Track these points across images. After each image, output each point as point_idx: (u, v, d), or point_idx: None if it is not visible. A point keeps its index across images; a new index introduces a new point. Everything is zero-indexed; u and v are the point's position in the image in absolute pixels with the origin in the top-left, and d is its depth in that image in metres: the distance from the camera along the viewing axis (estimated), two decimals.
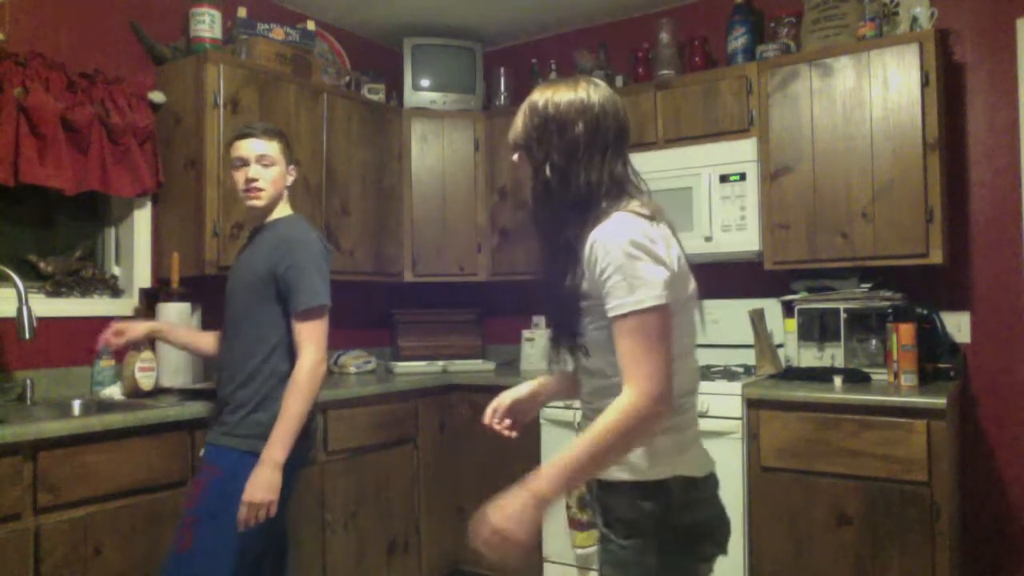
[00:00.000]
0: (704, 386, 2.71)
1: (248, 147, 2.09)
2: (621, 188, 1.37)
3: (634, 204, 1.34)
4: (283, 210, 2.15)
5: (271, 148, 2.11)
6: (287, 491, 1.96)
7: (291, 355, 1.99)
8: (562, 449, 1.29)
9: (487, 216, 3.68)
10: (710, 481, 1.39)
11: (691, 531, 1.33)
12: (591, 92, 1.36)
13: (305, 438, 2.01)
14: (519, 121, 1.41)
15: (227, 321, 2.10)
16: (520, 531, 1.27)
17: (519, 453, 3.16)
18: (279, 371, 1.99)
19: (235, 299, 2.07)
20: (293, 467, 1.97)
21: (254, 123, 2.23)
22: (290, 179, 2.17)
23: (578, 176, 1.33)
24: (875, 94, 2.74)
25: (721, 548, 1.38)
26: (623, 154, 1.39)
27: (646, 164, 3.10)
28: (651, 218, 1.32)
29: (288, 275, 1.97)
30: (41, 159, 2.44)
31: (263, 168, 2.09)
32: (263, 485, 1.87)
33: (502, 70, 3.81)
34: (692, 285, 1.42)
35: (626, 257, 1.25)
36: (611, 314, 1.27)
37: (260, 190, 2.08)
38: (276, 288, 2.00)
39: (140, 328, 2.27)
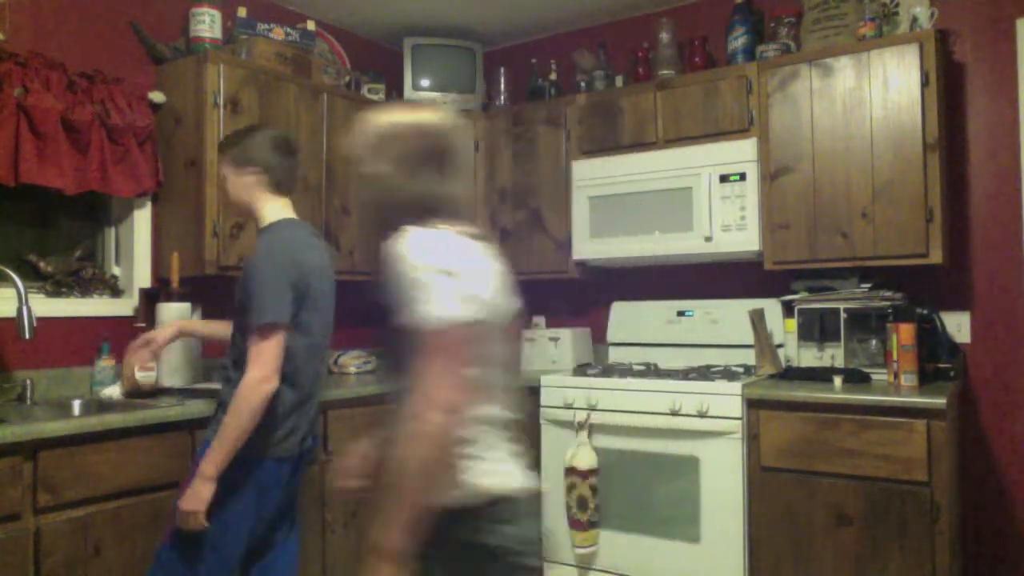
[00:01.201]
0: (704, 386, 2.74)
1: None
2: (441, 206, 1.37)
3: (452, 223, 1.36)
4: (268, 215, 2.12)
5: (221, 164, 2.16)
6: (256, 495, 1.98)
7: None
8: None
9: (487, 216, 3.68)
10: (513, 504, 1.35)
11: (483, 552, 1.30)
12: (425, 115, 1.43)
13: (271, 442, 2.00)
14: (355, 137, 1.45)
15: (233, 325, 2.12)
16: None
17: None
18: None
19: (236, 307, 2.08)
20: (263, 470, 1.99)
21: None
22: (248, 179, 2.09)
23: (401, 191, 1.37)
24: (875, 94, 2.74)
25: (520, 572, 1.35)
26: (447, 175, 1.40)
27: (646, 164, 3.15)
28: (471, 236, 1.35)
29: (247, 290, 1.98)
30: (41, 159, 2.44)
31: (223, 186, 2.15)
32: (189, 496, 1.89)
33: (502, 70, 3.80)
34: (512, 307, 1.41)
35: (422, 272, 1.26)
36: (404, 324, 1.27)
37: (229, 207, 2.14)
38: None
39: (167, 333, 2.28)
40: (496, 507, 1.32)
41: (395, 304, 1.29)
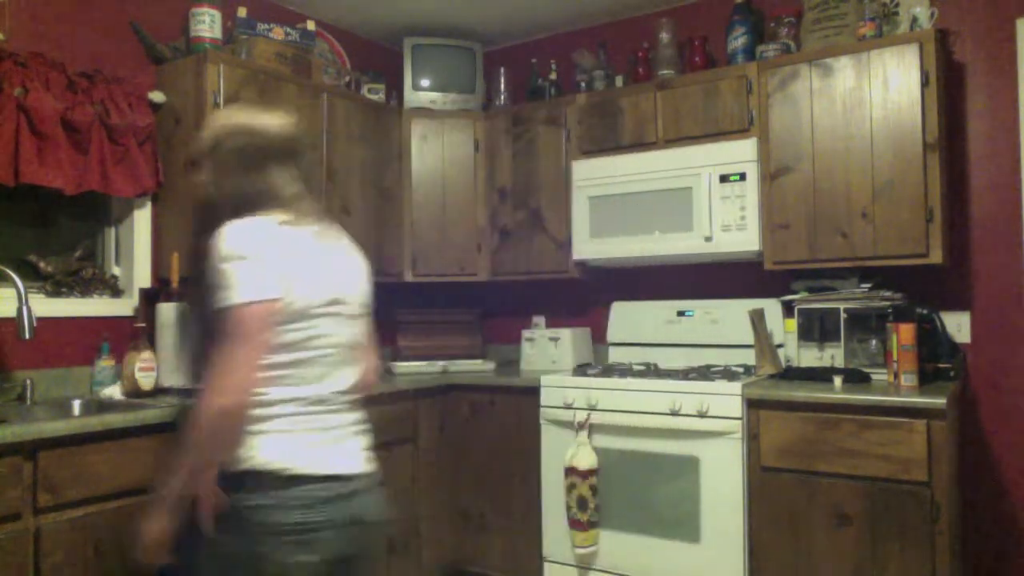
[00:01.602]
0: (704, 386, 2.74)
1: None
2: (260, 200, 1.47)
3: (274, 212, 1.45)
4: None
5: None
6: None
7: None
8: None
9: (487, 216, 3.68)
10: (318, 485, 1.42)
11: (273, 529, 1.38)
12: (242, 117, 1.54)
13: None
14: (193, 143, 1.57)
15: None
16: (151, 529, 1.45)
17: (519, 453, 3.17)
18: None
19: None
20: None
21: None
22: None
23: (222, 188, 1.50)
24: (875, 94, 2.74)
25: (315, 555, 1.42)
26: (267, 169, 1.50)
27: (646, 164, 3.15)
28: (292, 224, 1.45)
29: None
30: (41, 159, 2.44)
31: None
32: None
33: (502, 70, 3.81)
34: (334, 293, 1.49)
35: (226, 260, 1.36)
36: (216, 307, 1.37)
37: None
38: None
39: None
40: (280, 484, 1.39)
41: (212, 293, 1.39)
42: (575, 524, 2.89)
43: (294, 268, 1.41)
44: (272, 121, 1.54)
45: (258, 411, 1.39)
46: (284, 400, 1.42)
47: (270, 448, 1.41)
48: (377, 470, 1.62)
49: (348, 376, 1.55)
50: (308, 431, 1.45)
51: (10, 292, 2.34)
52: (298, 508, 1.40)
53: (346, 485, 1.48)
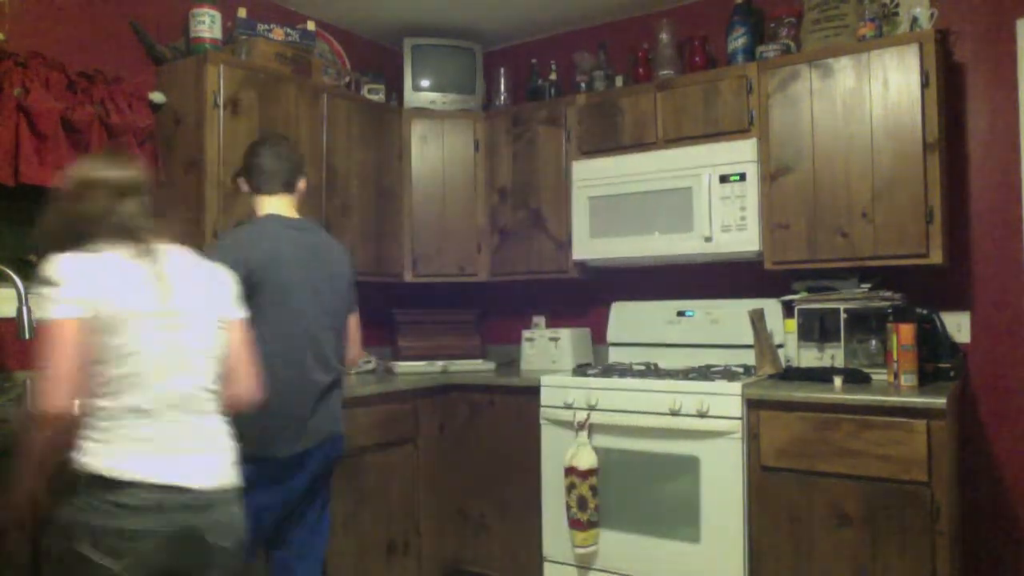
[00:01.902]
0: (704, 386, 2.74)
1: None
2: (78, 238, 1.59)
3: (91, 247, 1.58)
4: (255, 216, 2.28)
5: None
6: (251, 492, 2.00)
7: None
8: None
9: (487, 216, 3.68)
10: (127, 489, 1.47)
11: (77, 529, 1.46)
12: (71, 171, 1.69)
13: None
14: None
15: None
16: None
17: (519, 453, 3.17)
18: None
19: None
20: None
21: None
22: (244, 190, 2.31)
23: (49, 230, 1.65)
24: (875, 94, 2.74)
25: (121, 561, 1.45)
26: (83, 214, 1.62)
27: (646, 164, 3.15)
28: (105, 252, 1.57)
29: None
30: (41, 159, 2.44)
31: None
32: None
33: (502, 70, 3.81)
34: (160, 308, 1.58)
35: (42, 287, 1.51)
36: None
37: None
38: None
39: None
40: (97, 487, 1.46)
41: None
42: (575, 524, 2.89)
43: (108, 288, 1.53)
44: (89, 172, 1.67)
45: (86, 418, 1.51)
46: (107, 408, 1.51)
47: (92, 453, 1.48)
48: (233, 487, 1.63)
49: (184, 386, 1.59)
50: (133, 440, 1.51)
51: (10, 292, 2.34)
52: (111, 513, 1.45)
53: (178, 497, 1.51)
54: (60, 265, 1.53)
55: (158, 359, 1.56)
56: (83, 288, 1.50)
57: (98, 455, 1.48)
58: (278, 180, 2.25)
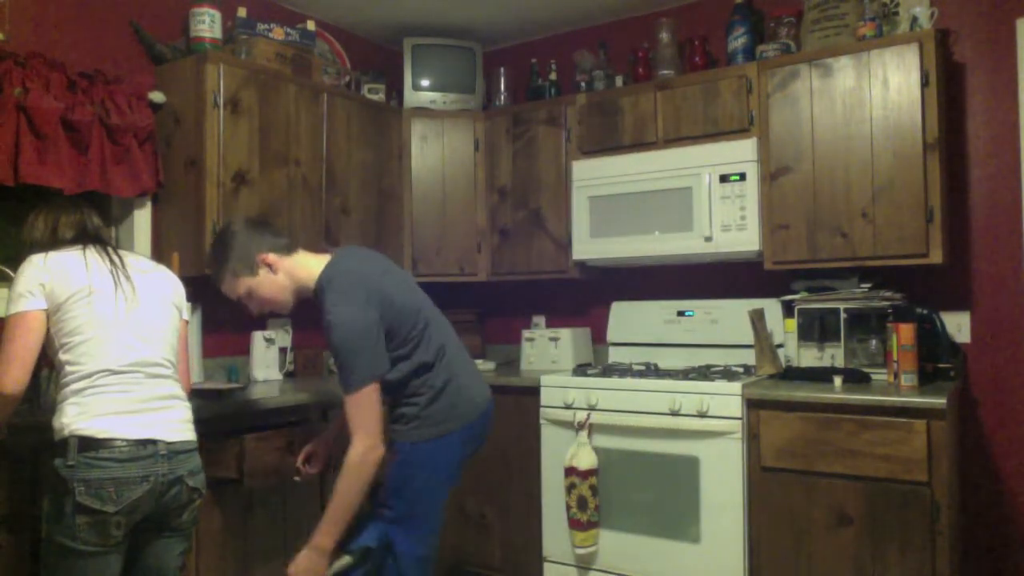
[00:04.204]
0: (704, 386, 2.74)
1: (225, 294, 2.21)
2: (44, 247, 1.89)
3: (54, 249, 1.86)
4: (309, 274, 2.11)
5: (228, 287, 2.14)
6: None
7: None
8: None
9: (487, 216, 3.68)
10: (115, 446, 1.70)
11: (73, 484, 1.67)
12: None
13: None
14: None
15: None
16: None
17: (519, 453, 3.17)
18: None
19: None
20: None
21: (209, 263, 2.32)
22: (264, 271, 2.11)
23: (29, 239, 1.98)
24: (875, 94, 2.74)
25: (111, 506, 1.68)
26: (48, 229, 1.97)
27: (646, 164, 3.15)
28: (63, 252, 1.85)
29: (333, 354, 2.06)
30: (41, 159, 2.44)
31: (247, 302, 2.16)
32: (303, 565, 1.97)
33: (502, 70, 3.81)
34: (106, 287, 1.82)
35: (13, 282, 1.80)
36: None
37: (267, 310, 2.19)
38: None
39: (323, 448, 2.41)
40: (85, 448, 1.68)
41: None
42: (575, 524, 2.89)
43: (75, 275, 1.79)
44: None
45: (62, 387, 1.75)
46: (79, 376, 1.73)
47: (72, 416, 1.71)
48: (194, 441, 1.88)
49: (146, 354, 1.82)
50: (107, 402, 1.73)
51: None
52: (101, 467, 1.68)
53: (154, 448, 1.74)
54: (30, 263, 1.80)
55: (121, 330, 1.79)
56: (49, 276, 1.76)
57: (79, 417, 1.70)
58: (289, 235, 2.30)
